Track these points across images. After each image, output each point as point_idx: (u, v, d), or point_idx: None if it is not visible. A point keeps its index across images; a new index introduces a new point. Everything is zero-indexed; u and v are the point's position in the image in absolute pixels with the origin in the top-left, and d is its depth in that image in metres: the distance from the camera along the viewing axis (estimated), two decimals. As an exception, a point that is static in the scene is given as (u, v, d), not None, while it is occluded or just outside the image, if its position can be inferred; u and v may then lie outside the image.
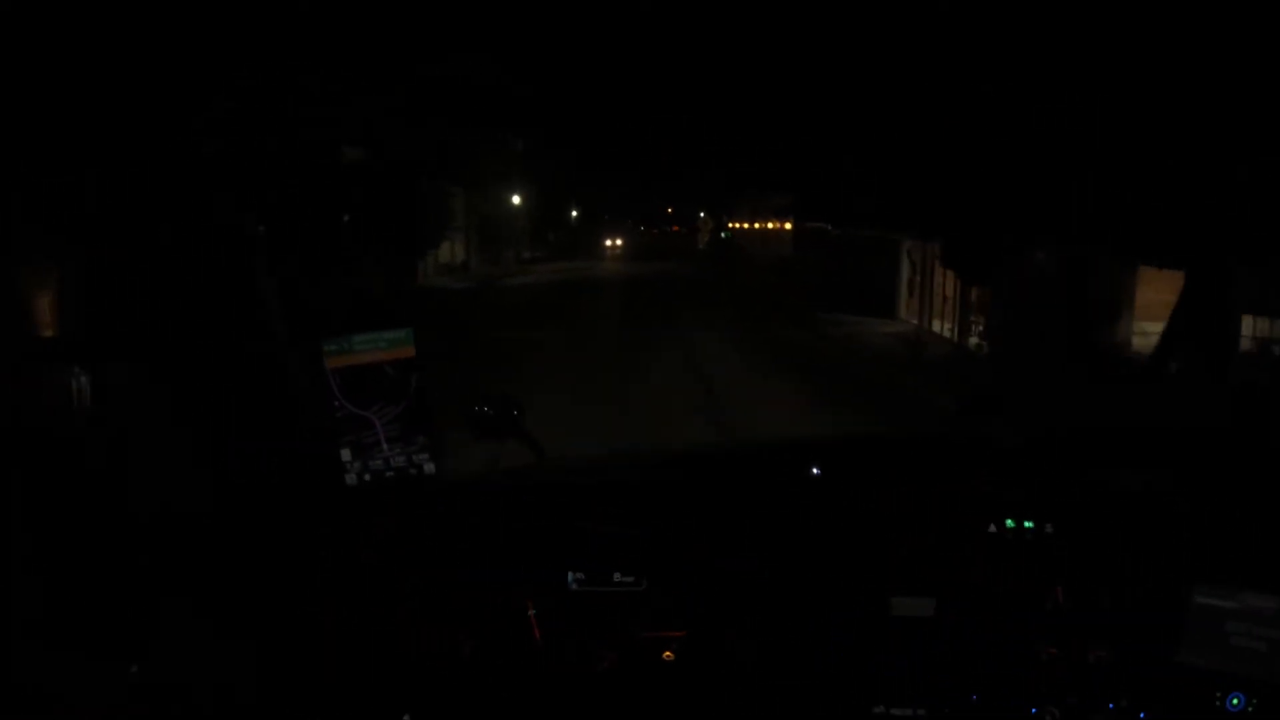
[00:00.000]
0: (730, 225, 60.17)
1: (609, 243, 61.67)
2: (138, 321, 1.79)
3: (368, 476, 1.97)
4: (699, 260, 48.95)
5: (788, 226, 39.95)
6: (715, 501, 2.03)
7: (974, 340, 17.11)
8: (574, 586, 1.96)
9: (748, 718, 1.93)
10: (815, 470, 2.09)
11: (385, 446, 1.97)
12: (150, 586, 1.78)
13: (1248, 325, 9.77)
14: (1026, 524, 1.92)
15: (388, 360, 1.96)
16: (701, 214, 72.45)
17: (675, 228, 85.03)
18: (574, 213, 69.89)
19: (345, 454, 1.97)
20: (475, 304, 25.22)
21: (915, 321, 20.04)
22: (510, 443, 2.28)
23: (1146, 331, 12.23)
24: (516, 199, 41.87)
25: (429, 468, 1.98)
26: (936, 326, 19.07)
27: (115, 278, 1.77)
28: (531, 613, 1.93)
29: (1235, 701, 1.79)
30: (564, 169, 53.13)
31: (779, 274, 34.70)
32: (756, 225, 50.30)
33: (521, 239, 47.66)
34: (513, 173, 40.51)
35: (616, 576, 1.96)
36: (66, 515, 1.71)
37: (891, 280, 21.72)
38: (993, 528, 1.93)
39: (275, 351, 1.94)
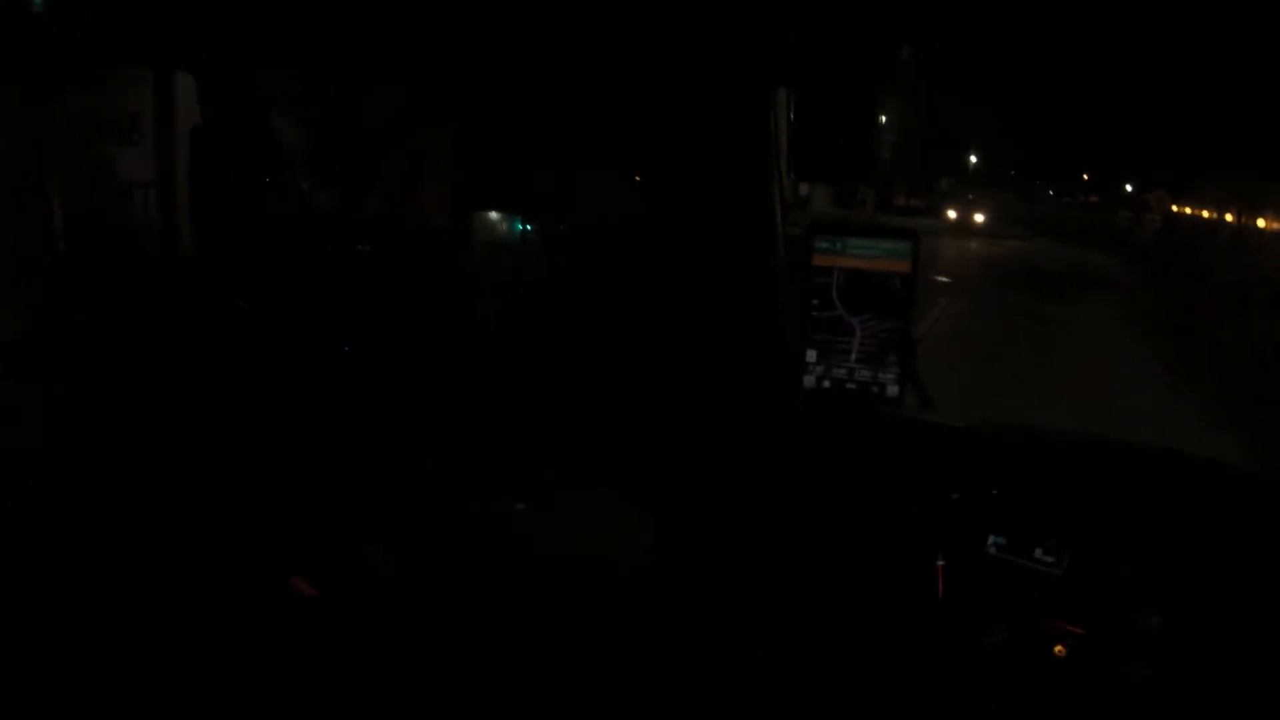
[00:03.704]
0: (1170, 208, 44.59)
1: (976, 217, 37.25)
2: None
3: (827, 383, 1.95)
4: (1144, 258, 30.27)
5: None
6: (1153, 510, 1.85)
7: None
8: (992, 551, 1.86)
9: None
10: (1245, 502, 1.88)
11: (855, 357, 1.93)
12: (562, 446, 2.01)
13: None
14: None
15: (882, 270, 1.90)
16: (1129, 188, 56.24)
17: (1093, 198, 68.60)
18: (973, 158, 58.04)
19: (811, 355, 1.94)
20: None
21: None
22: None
23: None
24: (883, 117, 29.62)
25: (892, 390, 1.95)
26: None
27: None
28: (941, 564, 1.85)
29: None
30: (967, 96, 41.07)
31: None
32: (1229, 217, 35.19)
33: (897, 177, 36.52)
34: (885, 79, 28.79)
35: (1038, 552, 1.82)
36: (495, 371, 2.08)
37: None
38: None
39: (766, 231, 1.86)
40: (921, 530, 1.87)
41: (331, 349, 2.47)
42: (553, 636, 1.86)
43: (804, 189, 26.03)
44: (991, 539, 1.84)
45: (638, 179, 2.03)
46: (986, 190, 46.04)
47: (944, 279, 16.95)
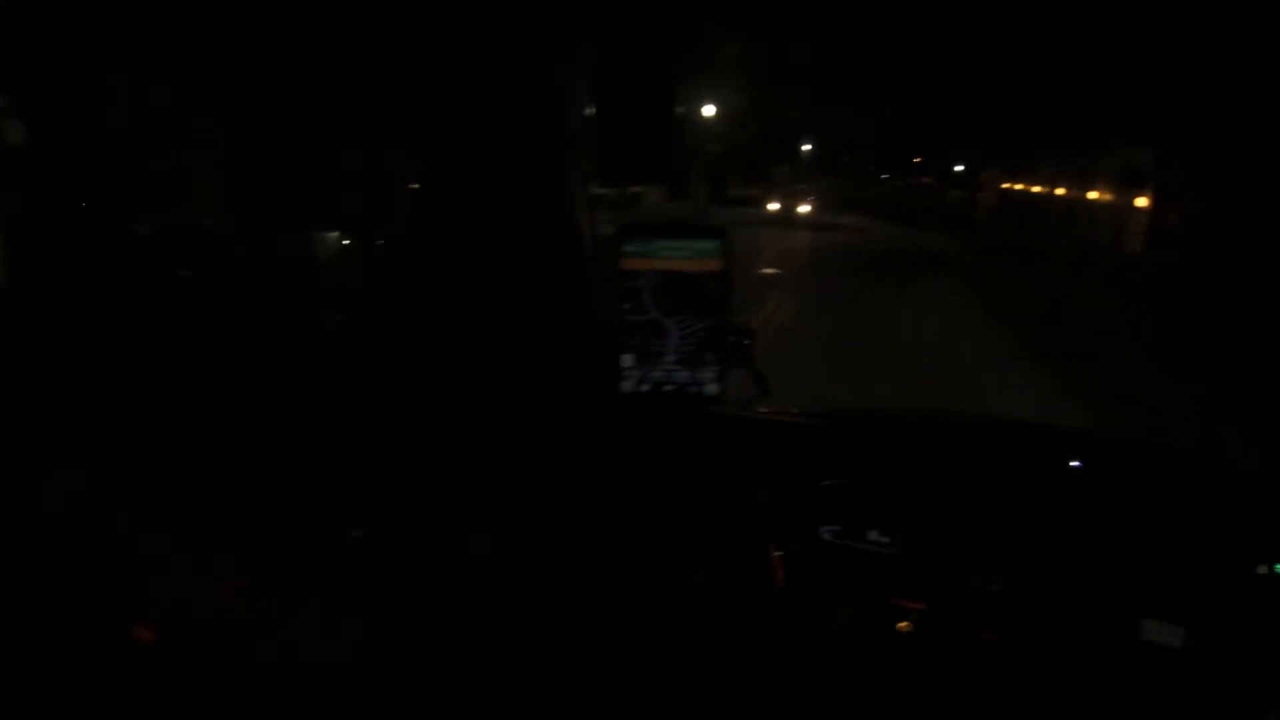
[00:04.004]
0: (1004, 186, 44.50)
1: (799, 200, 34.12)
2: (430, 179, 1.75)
3: (646, 386, 1.93)
4: (979, 236, 30.49)
5: (1139, 203, 24.82)
6: (983, 480, 1.92)
7: None
8: (826, 537, 1.88)
9: (964, 711, 1.72)
10: (1076, 463, 1.99)
11: (672, 359, 1.91)
12: (390, 463, 1.87)
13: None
14: None
15: (692, 271, 1.87)
16: (961, 168, 56.55)
17: (927, 179, 68.85)
18: (805, 146, 57.97)
19: (628, 360, 1.91)
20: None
21: None
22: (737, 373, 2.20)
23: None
24: (710, 109, 27.88)
25: (711, 389, 1.93)
26: None
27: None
28: (777, 554, 1.86)
29: None
30: (796, 85, 40.29)
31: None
32: (1060, 191, 34.89)
33: (731, 168, 35.56)
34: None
35: (871, 535, 1.85)
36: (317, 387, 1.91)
37: None
38: (1263, 569, 1.74)
39: (575, 242, 1.84)
40: (755, 522, 1.86)
41: (163, 377, 2.17)
42: (386, 662, 1.71)
43: (635, 185, 24.82)
44: (825, 527, 1.84)
45: (437, 182, 1.95)
46: (821, 177, 45.88)
47: (773, 271, 15.91)
